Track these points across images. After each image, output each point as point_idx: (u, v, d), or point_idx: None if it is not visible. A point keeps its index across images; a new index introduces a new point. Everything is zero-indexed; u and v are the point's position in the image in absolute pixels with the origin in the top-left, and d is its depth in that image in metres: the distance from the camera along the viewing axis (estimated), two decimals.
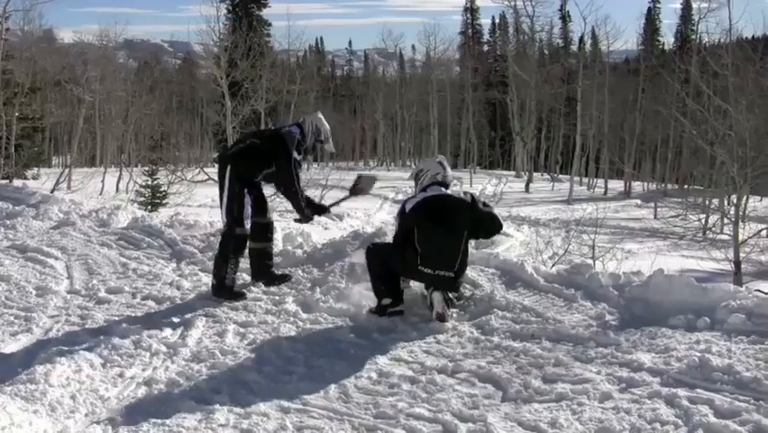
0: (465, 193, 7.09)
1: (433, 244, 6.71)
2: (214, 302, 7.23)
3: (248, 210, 7.53)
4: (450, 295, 6.79)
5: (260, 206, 7.81)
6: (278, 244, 8.82)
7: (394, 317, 6.75)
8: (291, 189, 7.51)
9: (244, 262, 7.81)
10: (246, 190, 7.53)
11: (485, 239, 7.20)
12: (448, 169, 7.21)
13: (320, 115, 7.94)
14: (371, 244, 7.33)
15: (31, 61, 37.03)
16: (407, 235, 6.84)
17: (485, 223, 6.99)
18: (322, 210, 7.94)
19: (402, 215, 7.03)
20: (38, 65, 39.88)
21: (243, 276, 7.86)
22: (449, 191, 7.07)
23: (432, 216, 6.79)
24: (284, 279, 7.88)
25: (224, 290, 7.45)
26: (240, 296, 7.40)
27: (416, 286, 7.23)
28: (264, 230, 7.87)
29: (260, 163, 7.52)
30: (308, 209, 7.71)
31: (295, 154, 7.51)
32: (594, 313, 6.49)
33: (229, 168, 7.55)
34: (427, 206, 6.86)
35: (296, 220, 7.89)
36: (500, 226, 7.11)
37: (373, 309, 6.88)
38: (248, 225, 7.56)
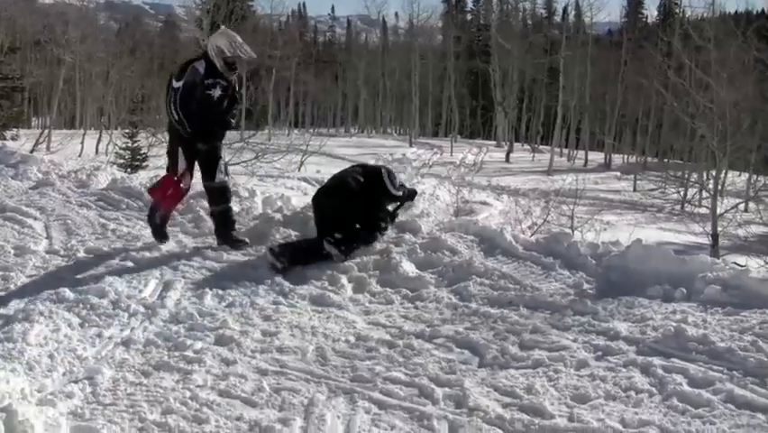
0: None
1: None
2: (193, 264, 7.21)
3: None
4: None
5: (209, 168, 7.81)
6: (257, 207, 8.80)
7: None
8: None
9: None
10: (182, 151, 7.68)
11: None
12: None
13: (219, 31, 7.73)
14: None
15: (10, 21, 36.72)
16: None
17: None
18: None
19: None
20: (18, 25, 39.57)
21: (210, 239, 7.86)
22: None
23: None
24: (242, 244, 7.75)
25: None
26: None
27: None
28: (219, 193, 7.88)
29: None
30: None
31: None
32: (572, 282, 6.53)
33: None
34: None
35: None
36: None
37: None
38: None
